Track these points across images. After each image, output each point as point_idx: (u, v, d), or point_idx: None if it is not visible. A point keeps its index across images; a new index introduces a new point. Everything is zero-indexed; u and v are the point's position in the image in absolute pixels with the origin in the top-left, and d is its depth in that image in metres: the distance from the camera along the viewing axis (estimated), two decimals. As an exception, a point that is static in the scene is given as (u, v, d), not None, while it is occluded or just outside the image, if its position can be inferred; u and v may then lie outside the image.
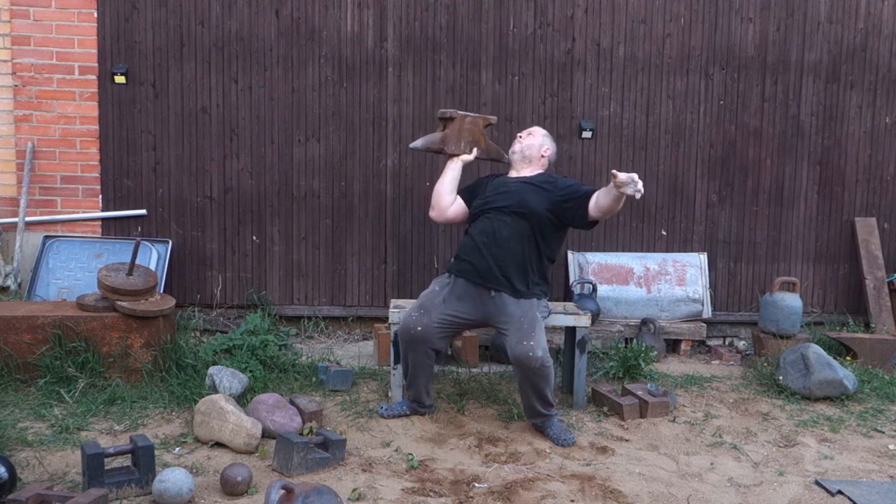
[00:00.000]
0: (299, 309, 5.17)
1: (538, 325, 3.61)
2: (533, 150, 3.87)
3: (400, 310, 3.94)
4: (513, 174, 3.89)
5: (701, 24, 5.16)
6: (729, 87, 5.21)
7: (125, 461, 3.05)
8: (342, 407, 3.92)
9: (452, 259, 3.88)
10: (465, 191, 4.00)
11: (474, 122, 4.08)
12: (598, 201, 3.57)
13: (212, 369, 3.91)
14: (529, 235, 3.67)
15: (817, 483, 3.25)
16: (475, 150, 4.07)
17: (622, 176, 3.34)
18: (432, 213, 4.05)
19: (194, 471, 3.13)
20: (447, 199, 3.98)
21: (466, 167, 4.06)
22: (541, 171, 3.88)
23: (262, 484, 3.02)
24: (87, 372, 3.89)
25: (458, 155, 4.04)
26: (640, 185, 3.34)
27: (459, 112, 4.07)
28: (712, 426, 3.87)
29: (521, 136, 3.95)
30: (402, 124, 5.11)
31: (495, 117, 4.22)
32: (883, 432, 3.86)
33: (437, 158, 5.13)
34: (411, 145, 4.12)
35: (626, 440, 3.66)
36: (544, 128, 5.04)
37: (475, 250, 3.69)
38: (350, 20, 5.03)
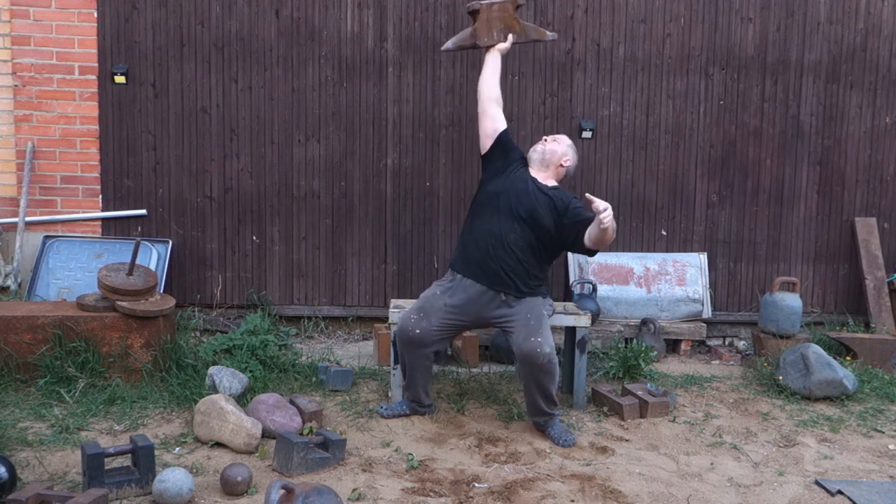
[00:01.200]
0: (299, 309, 5.17)
1: (545, 321, 3.62)
2: (554, 156, 3.84)
3: (400, 310, 3.93)
4: (532, 172, 3.86)
5: (701, 24, 5.16)
6: (729, 87, 5.21)
7: (125, 461, 3.05)
8: (342, 407, 3.92)
9: (457, 255, 3.85)
10: (507, 136, 3.94)
11: (502, 7, 3.98)
12: (590, 233, 3.54)
13: (212, 369, 3.91)
14: (533, 243, 3.68)
15: (817, 483, 3.26)
16: (510, 35, 4.02)
17: (596, 201, 3.35)
18: (479, 105, 4.01)
19: (194, 471, 3.13)
20: (487, 90, 3.96)
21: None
22: (555, 180, 3.84)
23: (262, 484, 3.02)
24: (87, 372, 3.89)
25: (493, 45, 4.01)
26: (604, 215, 3.33)
27: (483, 3, 3.98)
28: (712, 426, 3.87)
29: (546, 140, 3.92)
30: (402, 124, 5.11)
31: None
32: (883, 432, 3.86)
33: (437, 159, 5.13)
34: (443, 48, 4.10)
35: (626, 440, 3.66)
36: (544, 128, 5.10)
37: (484, 252, 3.68)
38: (350, 20, 5.03)
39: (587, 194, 3.48)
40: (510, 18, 3.99)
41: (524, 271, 3.67)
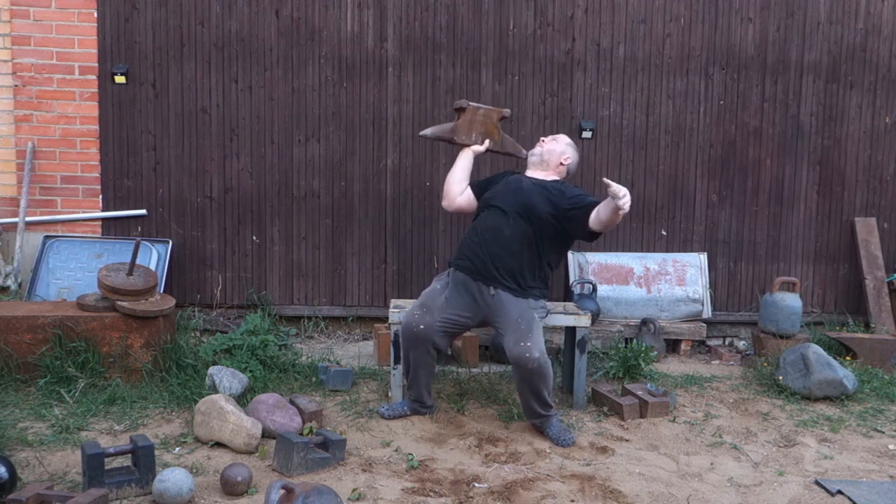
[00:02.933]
0: (299, 309, 5.18)
1: (535, 325, 3.60)
2: (553, 155, 3.86)
3: (400, 310, 3.94)
4: (528, 174, 3.88)
5: (701, 24, 5.16)
6: (729, 87, 5.21)
7: (125, 461, 3.05)
8: (342, 407, 3.92)
9: (454, 254, 3.89)
10: (480, 183, 4.01)
11: (487, 114, 4.05)
12: (599, 213, 3.53)
13: (212, 369, 3.91)
14: (530, 238, 3.67)
15: (817, 483, 3.26)
16: (487, 141, 4.06)
17: (615, 186, 3.33)
18: (443, 203, 4.06)
19: (194, 471, 3.13)
20: (456, 189, 3.98)
21: (486, 161, 4.01)
22: (557, 177, 3.86)
23: (262, 484, 3.02)
24: (87, 372, 3.89)
25: (468, 146, 4.04)
26: (623, 200, 3.31)
27: (471, 104, 4.04)
28: (712, 426, 3.87)
29: (544, 140, 3.94)
30: (402, 124, 5.11)
31: (509, 110, 4.19)
32: (883, 432, 3.86)
33: (437, 159, 5.13)
34: (421, 133, 4.13)
35: (626, 440, 3.66)
36: (544, 128, 5.10)
37: (476, 246, 3.69)
38: (350, 20, 5.03)
39: (604, 178, 3.46)
40: (492, 126, 4.08)
41: (517, 267, 3.66)
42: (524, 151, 4.12)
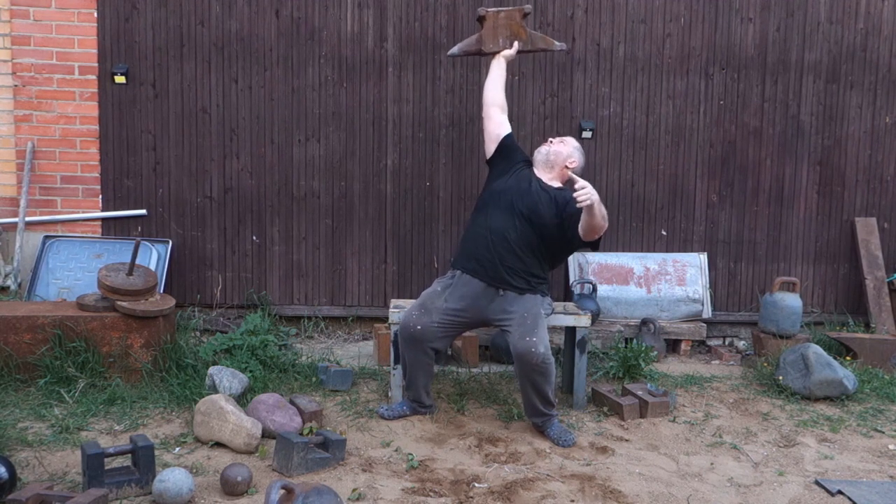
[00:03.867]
0: (299, 309, 5.17)
1: (541, 321, 3.61)
2: (559, 157, 3.81)
3: (400, 310, 3.94)
4: (536, 173, 3.84)
5: (701, 24, 5.16)
6: (729, 87, 5.21)
7: (125, 461, 3.05)
8: (342, 407, 3.92)
9: (457, 252, 3.88)
10: (511, 139, 3.96)
11: (509, 15, 4.01)
12: (580, 221, 3.51)
13: (212, 369, 3.91)
14: (535, 242, 3.67)
15: (817, 483, 3.26)
16: (516, 43, 4.04)
17: (578, 180, 3.33)
18: (483, 110, 4.05)
19: (194, 471, 3.13)
20: (491, 96, 3.98)
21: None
22: (560, 182, 3.82)
23: (262, 484, 3.02)
24: (87, 372, 3.89)
25: (498, 52, 4.02)
26: (581, 193, 3.30)
27: (490, 10, 4.01)
28: (712, 426, 3.87)
29: (552, 141, 3.90)
30: (402, 124, 5.11)
31: (530, 6, 4.15)
32: (883, 432, 3.86)
33: (436, 159, 5.13)
34: (448, 53, 4.15)
35: (626, 440, 3.66)
36: (544, 127, 5.10)
37: (483, 248, 3.68)
38: (350, 20, 5.03)
39: (571, 174, 3.46)
40: (517, 26, 4.02)
41: (523, 269, 3.67)
42: (557, 43, 4.11)
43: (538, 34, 4.14)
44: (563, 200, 3.67)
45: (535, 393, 3.58)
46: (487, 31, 3.99)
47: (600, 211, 3.42)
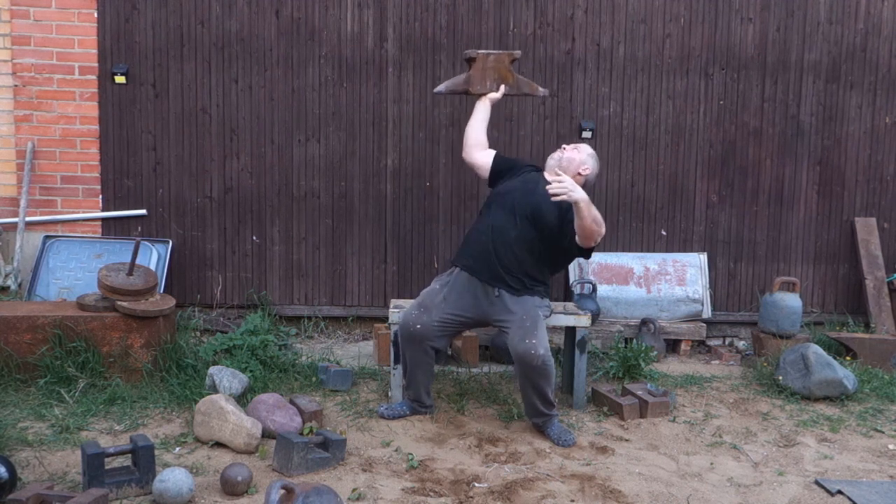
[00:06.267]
0: (299, 309, 5.18)
1: (540, 323, 3.61)
2: (572, 164, 3.77)
3: (400, 310, 3.94)
4: (546, 177, 3.80)
5: (701, 24, 5.16)
6: (729, 87, 5.21)
7: (125, 461, 3.05)
8: (342, 407, 3.92)
9: (458, 250, 3.87)
10: (504, 158, 3.98)
11: (498, 59, 4.04)
12: (575, 224, 3.51)
13: (212, 369, 3.91)
14: (535, 244, 3.65)
15: (817, 483, 3.26)
16: (503, 86, 4.05)
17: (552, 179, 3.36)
18: (463, 153, 4.06)
19: (194, 471, 3.13)
20: (474, 138, 3.99)
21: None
22: None
23: (262, 484, 3.02)
24: (87, 372, 3.89)
25: (485, 94, 4.03)
26: (555, 185, 3.33)
27: (480, 51, 4.04)
28: (712, 426, 3.87)
29: (565, 147, 3.86)
30: (402, 124, 5.11)
31: (520, 51, 4.20)
32: (883, 432, 3.86)
33: (436, 159, 5.13)
34: (435, 90, 4.14)
35: (626, 440, 3.66)
36: (544, 128, 5.10)
37: (482, 245, 3.68)
38: (350, 20, 5.03)
39: (556, 169, 3.46)
40: (505, 70, 4.06)
41: (520, 269, 3.66)
42: (540, 89, 4.14)
43: (524, 79, 4.19)
44: (565, 205, 3.64)
45: (535, 393, 3.58)
46: (476, 73, 4.04)
47: (590, 212, 3.41)
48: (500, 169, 3.91)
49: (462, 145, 4.07)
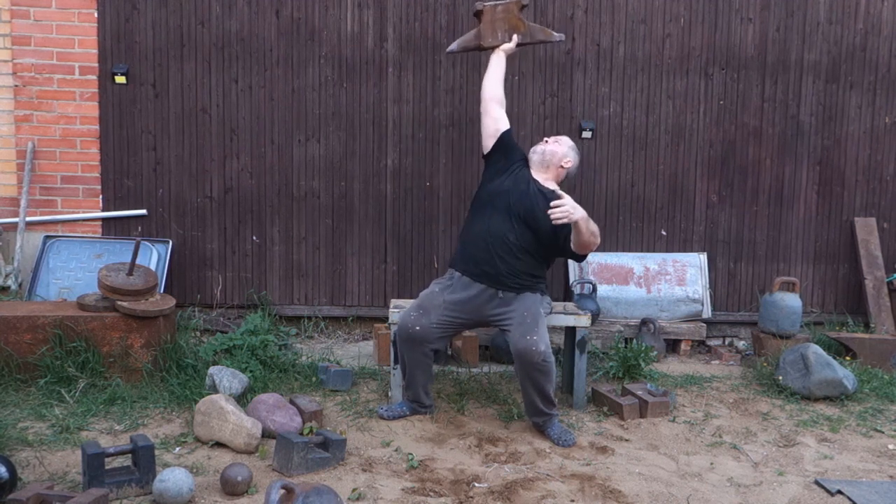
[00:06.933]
0: (299, 309, 5.18)
1: (541, 320, 3.62)
2: (554, 157, 3.81)
3: (400, 310, 3.93)
4: (533, 173, 3.83)
5: (701, 24, 5.16)
6: (729, 87, 5.21)
7: (125, 461, 3.05)
8: (342, 407, 3.92)
9: (456, 254, 3.88)
10: (509, 135, 3.94)
11: (507, 8, 3.97)
12: (572, 236, 3.56)
13: (212, 369, 3.91)
14: (532, 244, 3.68)
15: (817, 483, 3.26)
16: (515, 36, 4.01)
17: (560, 195, 3.40)
18: (480, 106, 4.03)
19: (194, 471, 3.13)
20: (489, 91, 3.96)
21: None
22: (555, 182, 3.83)
23: (262, 484, 3.03)
24: (87, 372, 3.89)
25: (497, 46, 4.00)
26: (557, 211, 3.37)
27: (487, 3, 3.96)
28: (712, 426, 3.87)
29: (547, 140, 3.90)
30: (402, 124, 5.11)
31: None
32: (882, 432, 3.86)
33: (436, 159, 5.13)
34: (447, 50, 4.11)
35: (626, 440, 3.66)
36: (544, 128, 5.10)
37: (482, 250, 3.68)
38: (350, 20, 5.03)
39: (557, 190, 3.48)
40: (515, 19, 3.98)
41: (523, 270, 3.68)
42: (556, 35, 4.08)
43: (537, 26, 4.11)
44: None
45: (535, 392, 3.58)
46: (486, 26, 3.96)
47: (587, 227, 3.48)
48: (504, 146, 3.90)
49: (480, 98, 4.02)
